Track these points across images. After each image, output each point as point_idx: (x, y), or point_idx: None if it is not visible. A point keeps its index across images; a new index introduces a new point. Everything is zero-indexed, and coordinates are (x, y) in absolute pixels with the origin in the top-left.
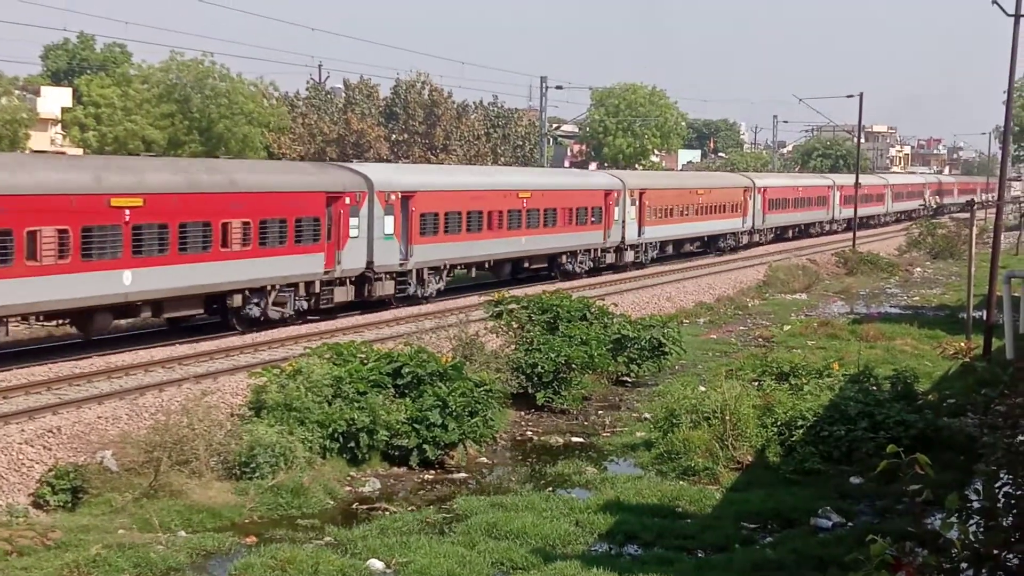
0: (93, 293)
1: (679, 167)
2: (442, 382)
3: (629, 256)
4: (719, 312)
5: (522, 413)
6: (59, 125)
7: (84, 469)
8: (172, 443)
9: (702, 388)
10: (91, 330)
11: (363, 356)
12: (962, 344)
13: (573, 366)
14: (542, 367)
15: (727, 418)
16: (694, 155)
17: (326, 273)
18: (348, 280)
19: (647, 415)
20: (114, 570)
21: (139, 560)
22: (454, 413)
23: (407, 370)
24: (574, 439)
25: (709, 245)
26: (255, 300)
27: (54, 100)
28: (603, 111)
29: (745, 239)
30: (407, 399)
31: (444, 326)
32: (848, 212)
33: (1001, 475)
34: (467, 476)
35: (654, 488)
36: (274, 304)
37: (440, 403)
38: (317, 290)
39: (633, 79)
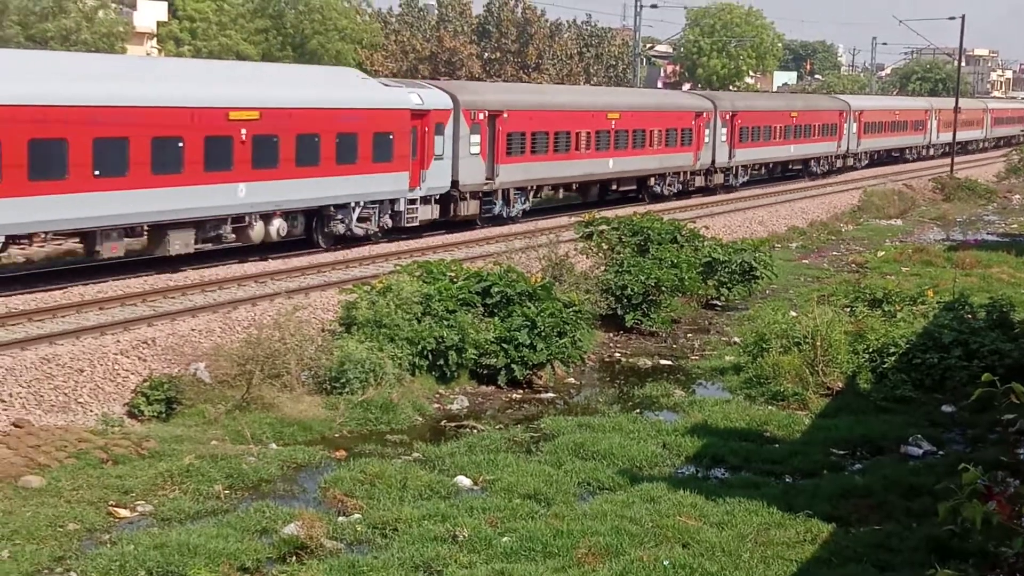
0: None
1: (774, 89)
2: (531, 302)
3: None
4: (812, 237)
5: (611, 335)
6: (155, 39)
7: (178, 380)
8: (264, 356)
9: (793, 313)
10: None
11: (452, 274)
12: None
13: (663, 288)
14: (631, 289)
15: (818, 344)
16: (790, 77)
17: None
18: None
19: (736, 339)
20: (207, 480)
21: (231, 471)
22: (542, 333)
23: (496, 289)
24: (662, 362)
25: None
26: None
27: (150, 14)
28: (698, 31)
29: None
30: (496, 318)
31: (534, 246)
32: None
33: None
34: (555, 396)
35: (742, 412)
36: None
37: (529, 323)
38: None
39: None
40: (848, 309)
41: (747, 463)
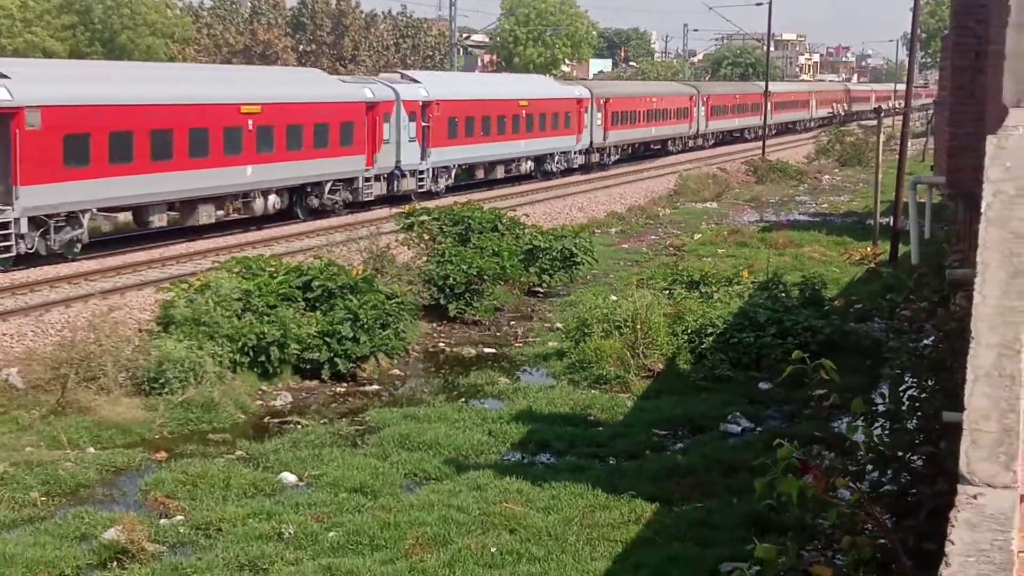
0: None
1: (590, 76)
2: (353, 295)
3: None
4: (630, 222)
5: (434, 325)
6: None
7: None
8: (79, 359)
9: (613, 297)
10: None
11: (272, 270)
12: (869, 250)
13: (485, 277)
14: (454, 278)
15: (638, 327)
16: (605, 65)
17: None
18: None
19: (559, 325)
20: (23, 488)
21: (48, 477)
22: (365, 326)
23: (317, 283)
24: (486, 350)
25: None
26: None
27: None
28: (513, 20)
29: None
30: (318, 312)
31: (355, 239)
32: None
33: (906, 379)
34: (379, 388)
35: (566, 397)
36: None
37: (351, 316)
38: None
39: None
40: (667, 292)
41: (572, 447)
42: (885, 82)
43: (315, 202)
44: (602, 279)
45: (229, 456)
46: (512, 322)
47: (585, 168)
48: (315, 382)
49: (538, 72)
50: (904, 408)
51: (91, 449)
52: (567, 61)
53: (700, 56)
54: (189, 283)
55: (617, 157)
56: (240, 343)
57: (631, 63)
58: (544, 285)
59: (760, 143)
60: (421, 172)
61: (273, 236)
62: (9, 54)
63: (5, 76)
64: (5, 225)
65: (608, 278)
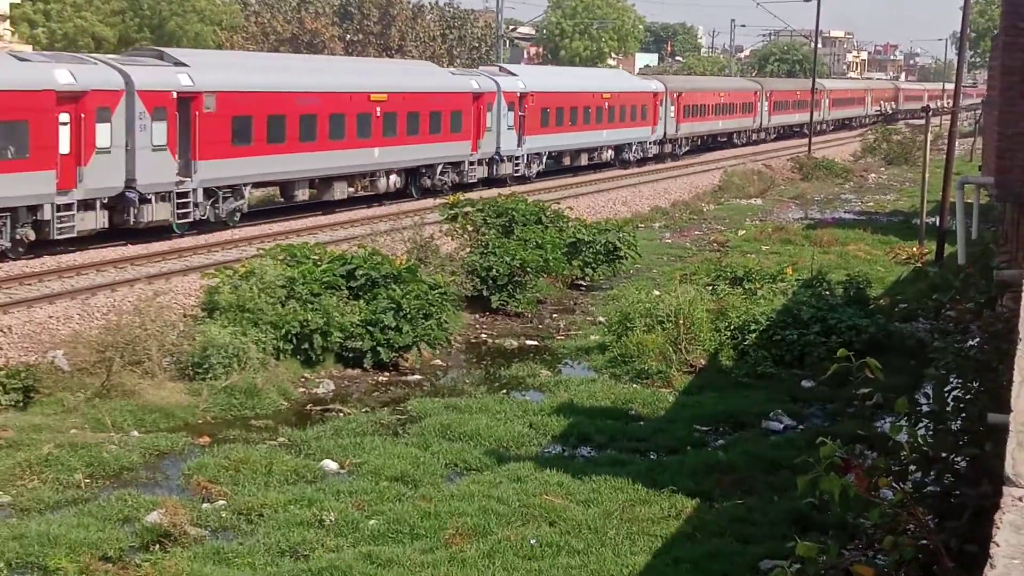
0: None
1: (636, 71)
2: (396, 284)
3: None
4: (674, 217)
5: (477, 316)
6: (7, 21)
7: (35, 369)
8: (124, 343)
9: (656, 292)
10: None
11: (316, 258)
12: (915, 250)
13: (528, 270)
14: (497, 270)
15: (681, 322)
16: (651, 59)
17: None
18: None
19: (601, 319)
20: (67, 469)
21: (92, 459)
22: (408, 315)
23: (361, 272)
24: (528, 342)
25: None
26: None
27: None
28: (560, 13)
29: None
30: (361, 301)
31: (399, 228)
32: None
33: (950, 379)
34: (421, 378)
35: (607, 391)
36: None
37: (394, 305)
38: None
39: None
40: (710, 288)
41: (612, 441)
42: (933, 81)
43: (427, 182)
44: (645, 273)
45: (271, 442)
46: (554, 315)
47: (659, 158)
48: (357, 371)
49: (583, 65)
50: (949, 409)
51: (135, 432)
52: (613, 55)
53: (747, 52)
54: (234, 269)
55: (688, 148)
56: (283, 330)
57: (677, 58)
58: (587, 279)
59: (809, 140)
60: (517, 158)
61: (318, 224)
62: (59, 39)
63: (185, 64)
64: (185, 195)
65: (651, 273)
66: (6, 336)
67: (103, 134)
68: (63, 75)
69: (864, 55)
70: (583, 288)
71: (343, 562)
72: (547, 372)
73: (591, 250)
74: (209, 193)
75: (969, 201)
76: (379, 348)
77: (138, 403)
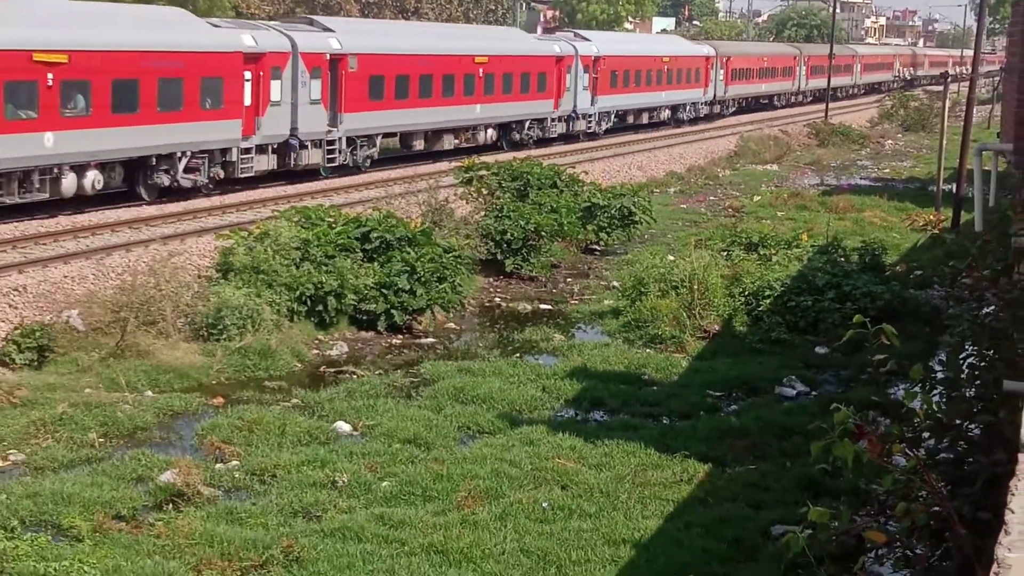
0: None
1: (653, 34)
2: (410, 247)
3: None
4: (689, 182)
5: (491, 280)
6: None
7: (50, 328)
8: (139, 303)
9: (671, 257)
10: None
11: (331, 220)
12: (931, 216)
13: (542, 234)
14: (511, 234)
15: (695, 287)
16: (668, 23)
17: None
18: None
19: (615, 283)
20: (81, 428)
21: (106, 419)
22: (422, 278)
23: (375, 235)
24: (542, 306)
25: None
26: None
27: None
28: None
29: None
30: (375, 264)
31: (413, 191)
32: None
33: (965, 346)
34: (435, 341)
35: (621, 355)
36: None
37: (408, 268)
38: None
39: None
40: (725, 253)
41: (625, 405)
42: (952, 47)
43: (516, 136)
44: (660, 238)
45: (285, 404)
46: (568, 279)
47: (709, 117)
48: (371, 333)
49: (600, 29)
50: (963, 376)
51: (149, 392)
52: (630, 19)
53: (765, 16)
54: (249, 231)
55: (734, 109)
56: (298, 292)
57: (695, 22)
58: (601, 243)
59: (825, 105)
60: (590, 116)
61: (333, 187)
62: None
63: (332, 30)
64: (332, 142)
65: (666, 238)
66: (21, 295)
67: (275, 89)
68: (248, 39)
69: (882, 20)
70: (597, 252)
71: (355, 523)
72: (560, 336)
73: (606, 215)
74: (349, 141)
75: (987, 168)
76: (393, 311)
77: (152, 363)
